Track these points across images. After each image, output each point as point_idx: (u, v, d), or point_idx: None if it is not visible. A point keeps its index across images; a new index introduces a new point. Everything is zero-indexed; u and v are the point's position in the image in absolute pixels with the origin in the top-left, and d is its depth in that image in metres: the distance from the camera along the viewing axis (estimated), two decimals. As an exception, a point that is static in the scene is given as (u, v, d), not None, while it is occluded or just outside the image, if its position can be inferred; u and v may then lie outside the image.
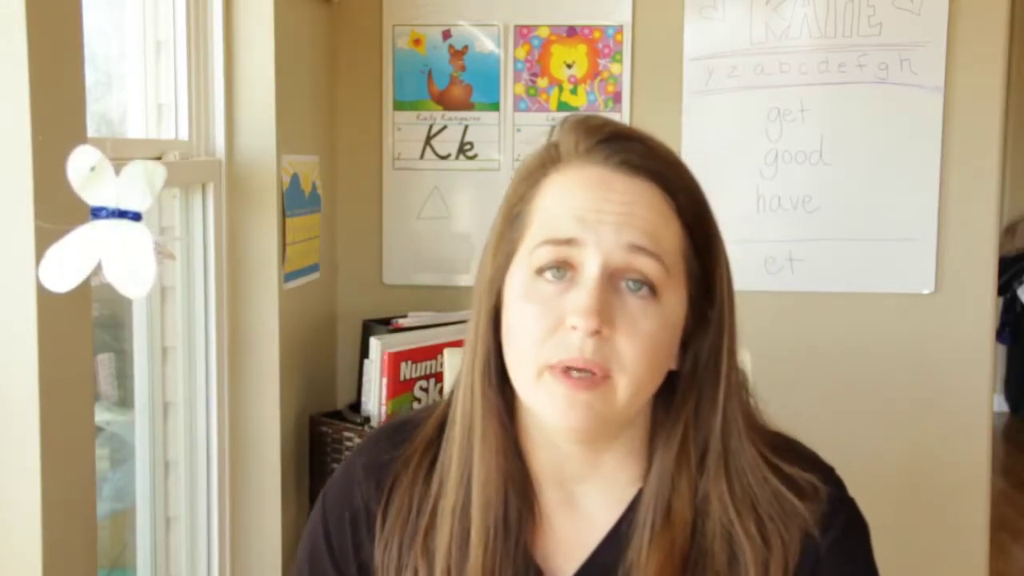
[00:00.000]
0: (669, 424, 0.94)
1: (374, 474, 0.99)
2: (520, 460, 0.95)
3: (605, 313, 0.85)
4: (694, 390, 0.93)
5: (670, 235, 0.88)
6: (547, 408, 0.88)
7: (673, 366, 0.92)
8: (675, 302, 0.89)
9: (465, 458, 0.95)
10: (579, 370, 0.86)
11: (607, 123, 0.92)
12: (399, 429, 1.02)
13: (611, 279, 0.87)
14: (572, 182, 0.90)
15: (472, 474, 0.94)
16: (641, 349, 0.86)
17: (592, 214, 0.87)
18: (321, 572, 1.01)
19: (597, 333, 0.85)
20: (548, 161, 0.92)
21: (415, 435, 1.00)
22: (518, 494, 0.94)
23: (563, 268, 0.87)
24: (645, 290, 0.87)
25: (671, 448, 0.93)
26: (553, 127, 0.95)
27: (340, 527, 1.00)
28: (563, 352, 0.86)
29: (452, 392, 0.99)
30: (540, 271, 0.88)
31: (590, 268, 0.86)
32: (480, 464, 0.94)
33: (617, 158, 0.89)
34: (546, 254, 0.88)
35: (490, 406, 0.94)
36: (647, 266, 0.86)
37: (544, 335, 0.87)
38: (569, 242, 0.87)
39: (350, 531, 1.00)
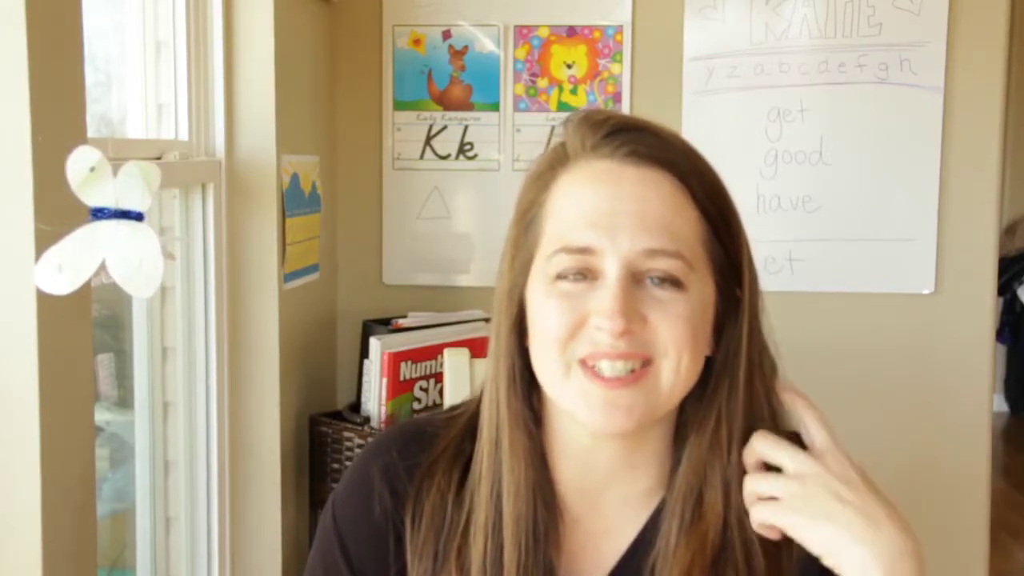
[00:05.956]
0: (702, 412, 0.91)
1: (394, 480, 0.94)
2: (546, 470, 0.93)
3: (632, 311, 0.84)
4: (727, 375, 0.91)
5: (687, 225, 0.87)
6: (581, 409, 0.86)
7: (708, 352, 0.90)
8: (702, 290, 0.87)
9: (494, 471, 0.92)
10: (615, 357, 0.84)
11: (612, 116, 0.89)
12: (417, 435, 0.97)
13: (633, 276, 0.85)
14: (582, 180, 0.88)
15: (502, 487, 0.91)
16: (680, 330, 0.85)
17: (605, 218, 0.85)
18: None
19: (627, 333, 0.83)
20: (556, 161, 0.90)
21: (437, 442, 0.96)
22: (545, 505, 0.91)
23: (582, 272, 0.86)
24: (669, 284, 0.85)
25: (704, 436, 0.90)
26: (554, 126, 0.94)
27: (360, 541, 0.95)
28: (592, 346, 0.84)
29: (479, 401, 0.96)
30: (559, 277, 0.87)
31: (610, 272, 0.85)
32: (509, 476, 0.91)
33: (625, 149, 0.87)
34: (563, 262, 0.86)
35: (516, 416, 0.91)
36: (668, 265, 0.85)
37: (571, 330, 0.85)
38: (585, 251, 0.85)
39: (372, 547, 0.95)
